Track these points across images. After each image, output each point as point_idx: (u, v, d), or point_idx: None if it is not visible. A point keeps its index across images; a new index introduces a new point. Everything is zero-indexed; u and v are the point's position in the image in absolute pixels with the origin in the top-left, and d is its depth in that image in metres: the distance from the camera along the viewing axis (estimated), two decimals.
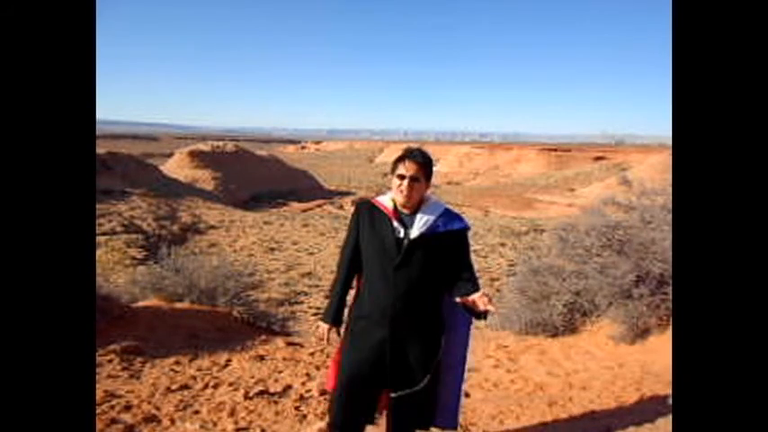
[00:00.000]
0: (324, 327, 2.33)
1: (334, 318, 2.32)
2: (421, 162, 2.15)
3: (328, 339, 2.32)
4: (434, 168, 2.29)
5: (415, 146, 2.30)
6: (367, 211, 2.26)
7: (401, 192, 2.14)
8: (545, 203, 71.72)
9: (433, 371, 2.21)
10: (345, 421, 2.22)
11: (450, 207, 2.28)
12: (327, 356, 5.05)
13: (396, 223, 2.18)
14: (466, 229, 2.24)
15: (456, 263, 2.20)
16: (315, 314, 16.16)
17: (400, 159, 2.18)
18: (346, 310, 2.36)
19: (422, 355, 2.19)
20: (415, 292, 2.15)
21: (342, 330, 2.34)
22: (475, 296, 2.06)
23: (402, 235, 2.16)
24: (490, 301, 2.02)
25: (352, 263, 2.30)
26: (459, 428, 2.72)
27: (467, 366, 2.40)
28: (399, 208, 2.21)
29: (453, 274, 2.19)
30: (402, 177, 2.14)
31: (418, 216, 2.17)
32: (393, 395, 2.20)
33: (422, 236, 2.14)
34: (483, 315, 2.11)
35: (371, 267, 2.21)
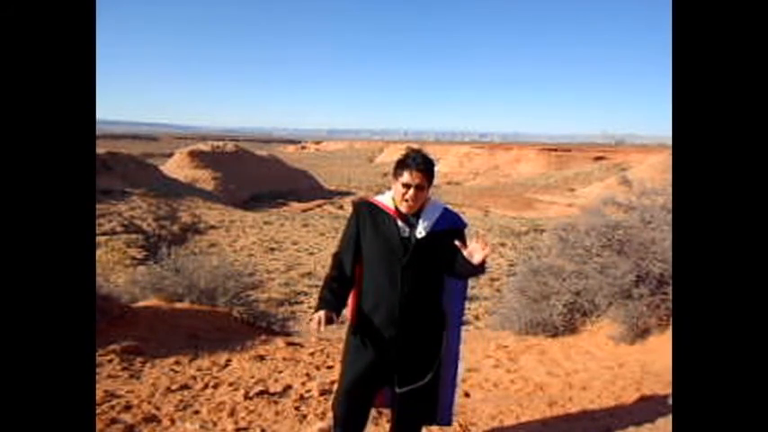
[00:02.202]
0: (319, 314, 2.05)
1: (330, 304, 2.10)
2: (425, 170, 2.12)
3: (328, 320, 2.05)
4: (435, 168, 2.29)
5: (415, 147, 2.29)
6: (368, 212, 2.23)
7: (406, 201, 2.12)
8: (545, 203, 71.66)
9: (436, 366, 2.23)
10: (348, 421, 2.22)
11: (449, 206, 2.30)
12: (327, 356, 5.05)
13: (400, 223, 2.17)
14: (464, 227, 2.28)
15: (454, 259, 2.18)
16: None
17: (404, 167, 2.12)
18: (346, 312, 2.31)
19: (427, 350, 2.21)
20: (421, 290, 2.17)
21: (339, 315, 2.15)
22: (471, 245, 2.07)
23: (407, 234, 2.16)
24: (486, 244, 2.05)
25: (353, 263, 2.24)
26: (458, 428, 2.72)
27: (461, 363, 2.41)
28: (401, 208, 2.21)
29: (452, 268, 2.21)
30: (407, 186, 2.11)
31: (422, 215, 2.18)
32: (399, 390, 2.20)
33: (427, 235, 2.15)
34: (481, 267, 2.10)
35: (376, 268, 2.18)
